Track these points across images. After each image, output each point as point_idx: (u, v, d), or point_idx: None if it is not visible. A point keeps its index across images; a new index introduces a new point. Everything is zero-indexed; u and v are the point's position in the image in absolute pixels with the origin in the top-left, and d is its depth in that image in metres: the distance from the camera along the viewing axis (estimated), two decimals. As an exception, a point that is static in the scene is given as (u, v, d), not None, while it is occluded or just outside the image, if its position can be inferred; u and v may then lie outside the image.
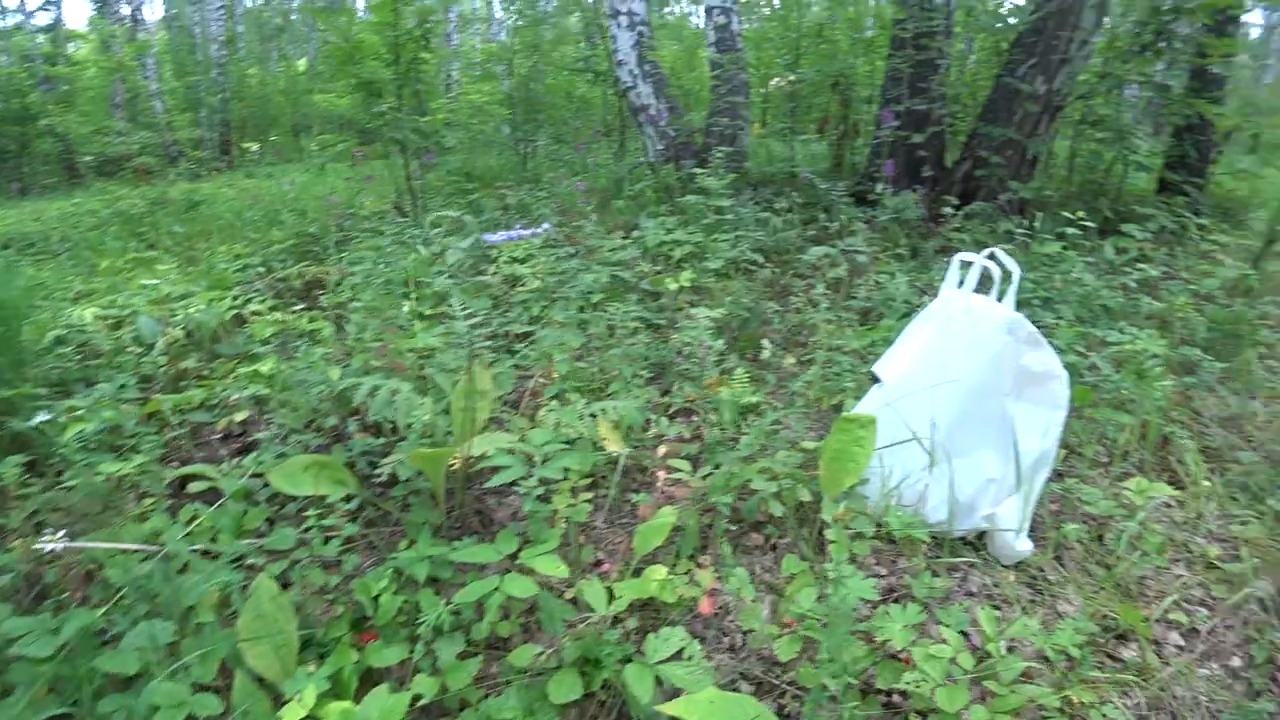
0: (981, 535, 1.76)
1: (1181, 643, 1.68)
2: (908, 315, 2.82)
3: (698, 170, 4.14)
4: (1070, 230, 3.21)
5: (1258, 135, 4.54)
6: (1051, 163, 4.64)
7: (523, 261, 3.60)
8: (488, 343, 2.24)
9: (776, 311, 3.05)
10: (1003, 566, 1.72)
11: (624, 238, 3.70)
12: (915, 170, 4.63)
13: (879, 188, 3.95)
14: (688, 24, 15.91)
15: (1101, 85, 4.21)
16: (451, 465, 1.76)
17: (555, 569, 1.44)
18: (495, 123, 7.70)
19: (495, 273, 3.57)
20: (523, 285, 3.29)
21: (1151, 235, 3.52)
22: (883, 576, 1.64)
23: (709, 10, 5.84)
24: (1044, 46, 4.33)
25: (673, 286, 3.19)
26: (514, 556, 1.51)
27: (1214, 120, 4.28)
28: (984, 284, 1.76)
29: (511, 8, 8.92)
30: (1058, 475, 2.04)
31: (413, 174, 5.10)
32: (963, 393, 1.66)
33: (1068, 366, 2.37)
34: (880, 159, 4.88)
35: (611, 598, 1.45)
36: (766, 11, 8.78)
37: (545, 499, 1.65)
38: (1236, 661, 1.66)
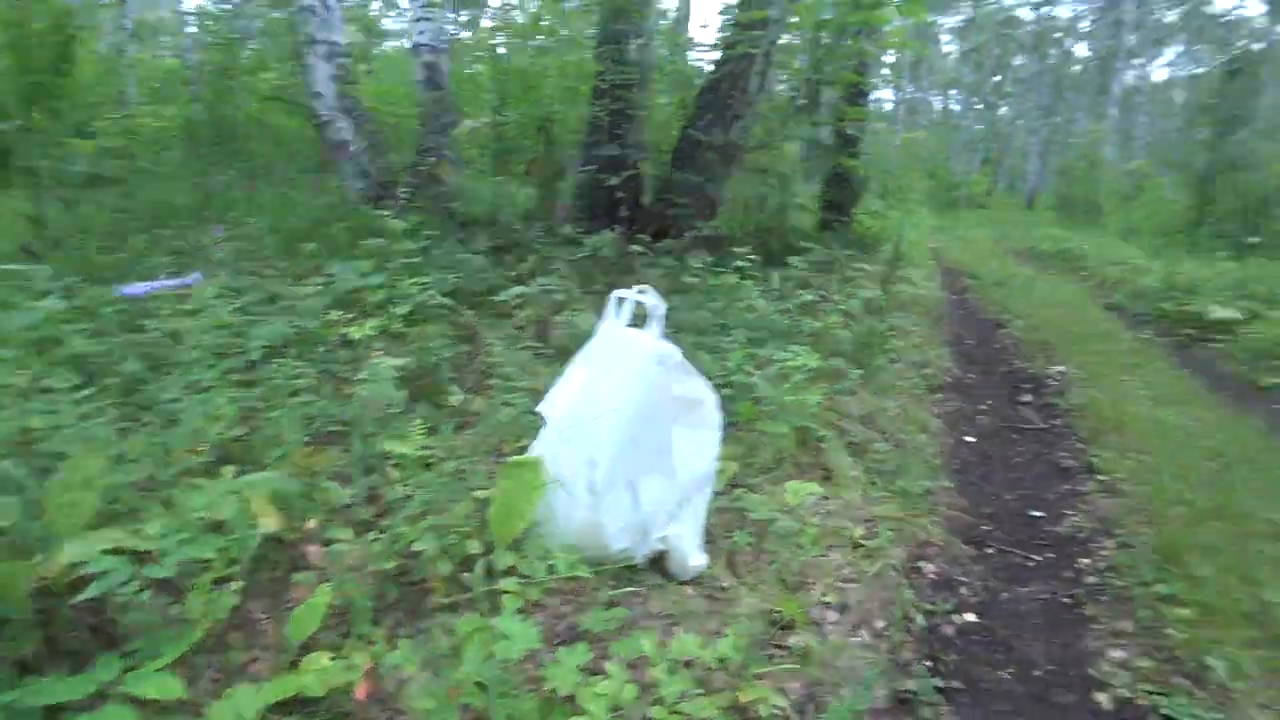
0: (661, 557, 1.83)
1: (837, 619, 1.87)
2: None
3: (383, 212, 4.00)
4: (744, 264, 3.60)
5: (885, 184, 5.55)
6: (732, 204, 5.23)
7: (193, 314, 3.14)
8: (103, 419, 1.87)
9: (468, 355, 2.99)
10: (681, 583, 1.80)
11: (314, 283, 3.41)
12: (614, 211, 4.93)
13: (566, 228, 4.10)
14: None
15: (767, 139, 4.84)
16: (42, 578, 1.41)
17: (167, 690, 1.19)
18: (166, 151, 6.73)
19: (155, 329, 3.07)
20: (187, 342, 2.86)
21: (811, 266, 4.09)
22: (563, 617, 1.62)
23: (417, 48, 5.71)
24: (720, 104, 4.89)
25: (357, 335, 2.99)
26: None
27: (852, 171, 5.17)
28: (641, 319, 1.86)
29: (206, 24, 7.98)
30: (730, 487, 2.21)
31: (46, 209, 4.23)
32: (624, 423, 1.71)
33: (739, 385, 2.61)
34: (583, 201, 5.14)
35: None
36: (480, 54, 8.88)
37: (177, 599, 1.39)
38: (880, 624, 1.89)
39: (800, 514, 2.11)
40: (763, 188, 4.95)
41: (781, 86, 5.42)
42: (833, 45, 4.94)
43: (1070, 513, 2.60)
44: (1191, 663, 1.80)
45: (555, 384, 1.91)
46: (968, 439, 3.11)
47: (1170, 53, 31.88)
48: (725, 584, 1.84)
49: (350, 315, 3.23)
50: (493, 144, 6.43)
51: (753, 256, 3.57)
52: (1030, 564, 2.34)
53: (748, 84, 4.86)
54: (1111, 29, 25.44)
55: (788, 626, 1.77)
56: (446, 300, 3.41)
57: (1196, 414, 3.56)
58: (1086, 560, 2.34)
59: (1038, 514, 2.60)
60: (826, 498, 2.31)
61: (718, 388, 2.73)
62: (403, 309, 3.17)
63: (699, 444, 1.81)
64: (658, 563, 1.83)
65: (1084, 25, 31.32)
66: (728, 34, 5.00)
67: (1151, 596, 2.08)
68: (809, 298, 3.41)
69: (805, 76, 5.11)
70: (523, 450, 2.10)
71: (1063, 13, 31.49)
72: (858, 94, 5.51)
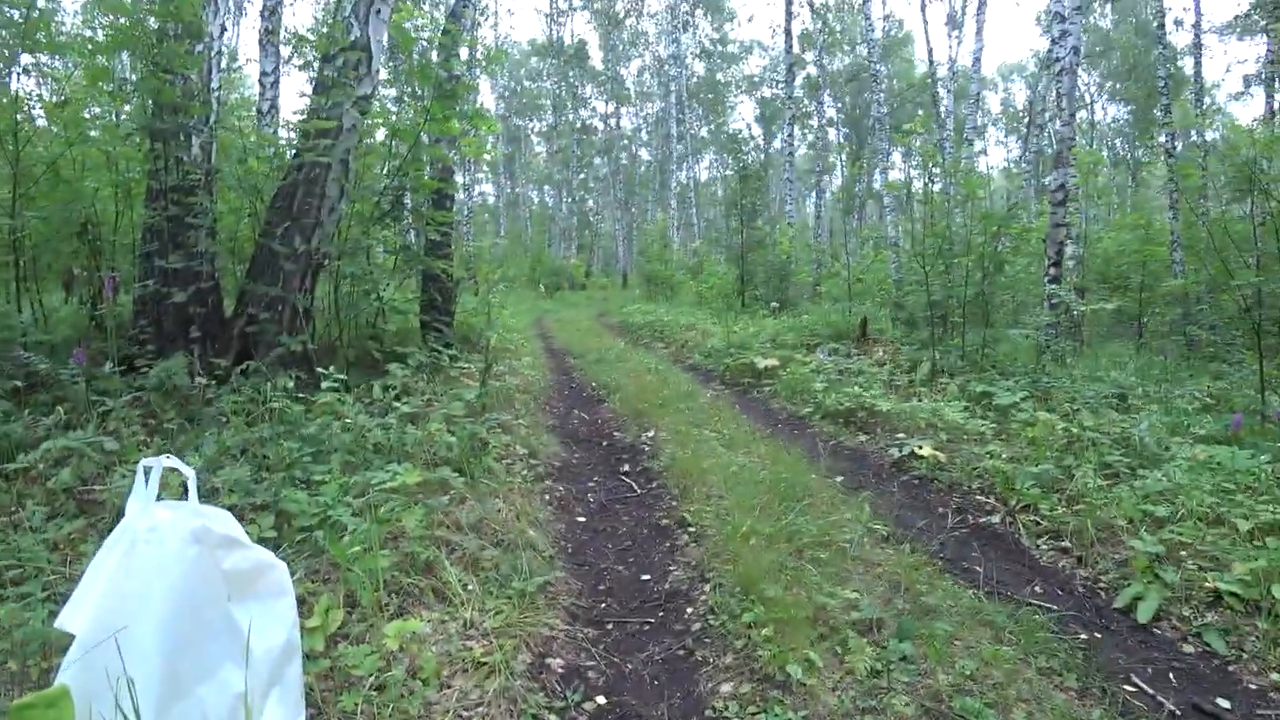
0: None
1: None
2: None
3: None
4: (339, 379, 3.35)
5: (476, 284, 5.78)
6: (324, 313, 4.90)
7: None
8: None
9: None
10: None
11: None
12: (186, 330, 4.25)
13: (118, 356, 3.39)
14: None
15: (350, 246, 4.66)
16: None
17: None
18: None
19: None
20: None
21: (414, 371, 3.98)
22: None
23: None
24: (298, 210, 4.58)
25: None
26: None
27: (444, 272, 5.26)
28: (183, 489, 1.56)
29: None
30: (333, 642, 1.96)
31: None
32: (167, 621, 1.42)
33: (332, 522, 2.36)
34: (145, 319, 4.34)
35: None
36: None
37: None
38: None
39: (413, 651, 1.95)
40: (353, 295, 4.74)
41: (365, 191, 5.31)
42: (412, 154, 5.02)
43: (673, 567, 2.88)
44: (779, 674, 2.07)
45: (79, 586, 1.49)
46: (579, 519, 3.27)
47: (707, 159, 40.03)
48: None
49: None
50: (8, 252, 4.98)
51: (348, 370, 3.33)
52: (647, 628, 2.50)
53: (326, 189, 4.66)
54: (664, 140, 31.09)
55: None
56: None
57: (758, 451, 4.30)
58: (690, 609, 2.59)
59: (646, 577, 2.82)
60: (445, 620, 2.18)
61: (314, 527, 2.45)
62: None
63: (273, 614, 1.56)
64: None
65: (644, 135, 37.79)
66: (300, 142, 4.76)
67: (742, 626, 2.36)
68: (409, 409, 3.29)
69: (386, 182, 5.09)
70: (45, 683, 1.59)
71: (626, 124, 37.58)
72: (443, 197, 5.67)
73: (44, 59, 5.68)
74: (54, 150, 4.72)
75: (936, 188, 7.17)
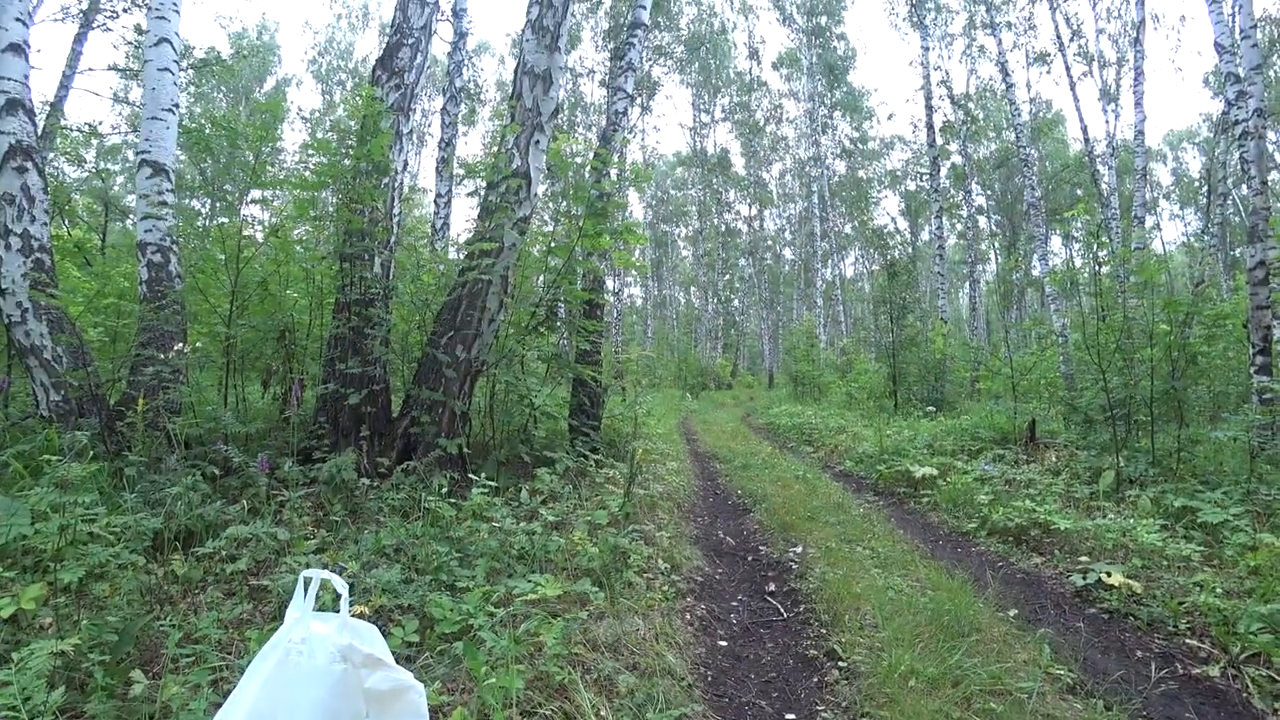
0: None
1: None
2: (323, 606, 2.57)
3: (80, 433, 3.34)
4: (490, 482, 3.47)
5: (624, 389, 5.90)
6: (479, 416, 5.18)
7: None
8: None
9: (162, 623, 2.45)
10: None
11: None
12: (357, 429, 4.64)
13: (286, 465, 3.71)
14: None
15: (506, 354, 4.95)
16: None
17: None
18: None
19: None
20: None
21: (560, 476, 4.06)
22: None
23: (141, 246, 5.19)
24: (460, 321, 4.97)
25: (7, 613, 2.32)
26: None
27: (592, 378, 5.43)
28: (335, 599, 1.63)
29: None
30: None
31: None
32: None
33: (473, 633, 2.38)
34: (324, 416, 4.79)
35: None
36: (220, 256, 8.19)
37: None
38: None
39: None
40: (507, 401, 4.98)
41: (521, 303, 5.67)
42: (563, 268, 5.33)
43: (821, 708, 2.61)
44: None
45: (235, 689, 1.58)
46: (721, 643, 3.09)
47: (852, 255, 39.69)
48: None
49: (10, 574, 2.53)
50: (221, 356, 5.79)
51: (498, 471, 3.46)
52: (791, 777, 2.27)
53: (486, 302, 5.02)
54: (808, 239, 31.27)
55: None
56: (135, 558, 2.81)
57: (917, 574, 3.93)
58: (840, 760, 2.33)
59: (791, 717, 2.57)
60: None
61: (455, 635, 2.48)
62: (74, 572, 2.52)
63: (405, 737, 1.55)
64: None
65: (787, 235, 38.24)
66: (464, 261, 5.22)
67: (901, 789, 2.07)
68: (553, 516, 3.33)
69: (541, 294, 5.41)
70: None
71: (770, 225, 38.29)
72: (593, 307, 5.94)
73: (266, 193, 6.73)
74: (266, 269, 5.50)
75: (1104, 270, 6.52)
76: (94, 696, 1.98)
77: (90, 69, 13.67)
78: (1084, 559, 4.11)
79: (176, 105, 5.57)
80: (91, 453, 3.43)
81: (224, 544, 2.95)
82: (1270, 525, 4.13)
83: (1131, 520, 4.42)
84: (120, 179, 23.53)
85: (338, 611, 1.62)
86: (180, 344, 4.88)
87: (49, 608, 2.41)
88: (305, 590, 1.65)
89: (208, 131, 5.84)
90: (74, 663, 2.12)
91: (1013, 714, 2.42)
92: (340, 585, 1.58)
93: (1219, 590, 3.40)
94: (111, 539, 2.81)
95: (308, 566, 2.82)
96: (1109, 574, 3.69)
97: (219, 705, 1.99)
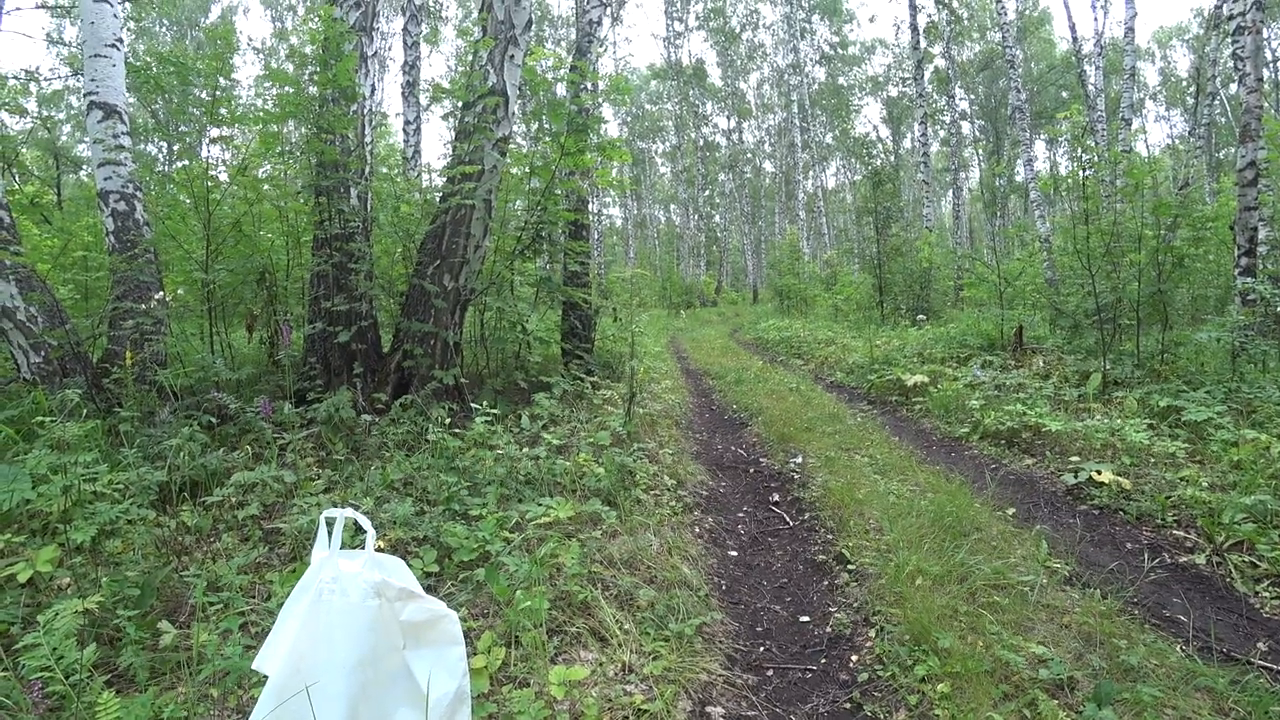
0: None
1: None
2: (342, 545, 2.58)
3: (70, 391, 3.27)
4: (493, 411, 3.45)
5: (615, 309, 5.84)
6: (472, 345, 5.12)
7: None
8: None
9: (183, 574, 2.46)
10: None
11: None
12: (350, 367, 4.57)
13: (285, 408, 3.64)
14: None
15: (494, 281, 4.84)
16: None
17: None
18: None
19: None
20: None
21: (559, 400, 4.05)
22: None
23: (103, 195, 4.91)
24: (446, 249, 4.83)
25: (24, 577, 2.31)
26: None
27: (583, 301, 5.35)
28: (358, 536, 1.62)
29: None
30: (496, 684, 1.97)
31: None
32: (353, 664, 1.50)
33: (492, 560, 2.41)
34: (314, 356, 4.71)
35: None
36: (187, 201, 7.84)
37: None
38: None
39: (574, 696, 1.93)
40: (499, 328, 4.91)
41: (504, 229, 5.52)
42: (546, 188, 5.17)
43: (833, 608, 2.70)
44: (961, 738, 1.86)
45: (272, 632, 1.59)
46: (731, 553, 3.16)
47: (834, 165, 39.03)
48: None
49: (21, 540, 2.51)
50: (201, 304, 5.61)
51: (496, 400, 3.43)
52: (809, 675, 2.35)
53: (471, 228, 4.88)
54: (788, 150, 30.61)
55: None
56: (145, 512, 2.80)
57: (916, 478, 4.01)
58: (855, 657, 2.41)
59: (805, 619, 2.66)
60: (604, 663, 2.15)
61: (474, 563, 2.51)
62: (85, 532, 2.50)
63: (445, 663, 1.59)
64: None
65: (767, 147, 37.42)
66: (445, 187, 5.03)
67: (915, 680, 2.16)
68: (556, 440, 3.33)
69: (525, 217, 5.26)
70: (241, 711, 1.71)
71: (749, 138, 37.39)
72: (579, 228, 5.80)
73: (226, 130, 6.40)
74: (238, 210, 5.28)
75: (1088, 174, 6.42)
76: (126, 650, 1.99)
77: (18, 8, 12.33)
78: (1074, 459, 4.21)
79: (120, 40, 5.19)
80: (84, 411, 3.36)
81: (231, 491, 2.93)
82: (1252, 421, 4.23)
83: (1119, 420, 4.52)
84: (67, 128, 22.27)
85: (360, 549, 1.61)
86: (159, 293, 4.72)
87: (65, 569, 2.40)
88: (329, 531, 1.64)
89: (154, 70, 5.45)
90: (100, 620, 2.12)
91: (1016, 605, 2.51)
92: (365, 523, 1.57)
93: (1204, 484, 3.51)
94: (117, 496, 2.78)
95: (318, 507, 2.83)
96: (1099, 472, 3.80)
97: (251, 649, 2.02)
